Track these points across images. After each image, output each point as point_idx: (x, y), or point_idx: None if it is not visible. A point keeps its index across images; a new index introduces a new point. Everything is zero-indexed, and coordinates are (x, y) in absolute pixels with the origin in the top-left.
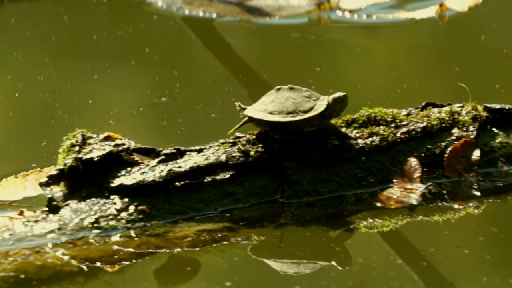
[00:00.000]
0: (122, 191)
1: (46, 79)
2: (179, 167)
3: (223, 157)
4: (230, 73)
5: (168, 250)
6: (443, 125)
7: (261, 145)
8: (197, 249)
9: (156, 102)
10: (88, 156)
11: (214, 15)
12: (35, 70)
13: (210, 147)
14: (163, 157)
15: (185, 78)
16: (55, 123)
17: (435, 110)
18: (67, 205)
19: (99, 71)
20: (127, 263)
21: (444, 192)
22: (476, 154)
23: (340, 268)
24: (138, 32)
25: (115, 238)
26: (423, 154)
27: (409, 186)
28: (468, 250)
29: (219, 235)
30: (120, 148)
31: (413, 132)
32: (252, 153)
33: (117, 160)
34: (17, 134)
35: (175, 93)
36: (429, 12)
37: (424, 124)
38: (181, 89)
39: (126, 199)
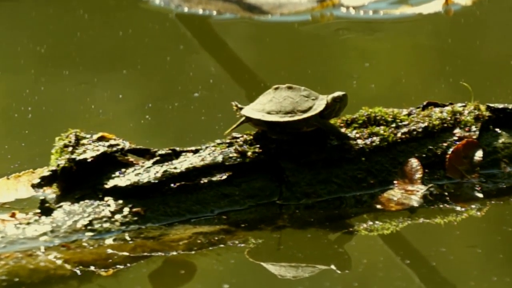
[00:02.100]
0: (116, 192)
1: (72, 73)
2: (175, 168)
3: (219, 158)
4: (227, 72)
5: (163, 254)
6: (445, 125)
7: (258, 146)
8: (193, 252)
9: (191, 97)
10: (81, 157)
11: (214, 13)
12: (59, 65)
13: (207, 147)
14: (158, 158)
15: (214, 73)
16: (89, 117)
17: (437, 109)
18: (60, 207)
19: (127, 67)
20: (121, 266)
21: (446, 193)
22: (479, 154)
23: (339, 271)
24: (158, 30)
25: (109, 241)
26: (424, 155)
27: (410, 187)
28: (474, 251)
29: (216, 238)
30: (114, 148)
31: (414, 132)
32: (249, 153)
33: (111, 161)
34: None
35: (209, 88)
36: (436, 6)
37: (425, 124)
38: (214, 84)
39: (120, 201)
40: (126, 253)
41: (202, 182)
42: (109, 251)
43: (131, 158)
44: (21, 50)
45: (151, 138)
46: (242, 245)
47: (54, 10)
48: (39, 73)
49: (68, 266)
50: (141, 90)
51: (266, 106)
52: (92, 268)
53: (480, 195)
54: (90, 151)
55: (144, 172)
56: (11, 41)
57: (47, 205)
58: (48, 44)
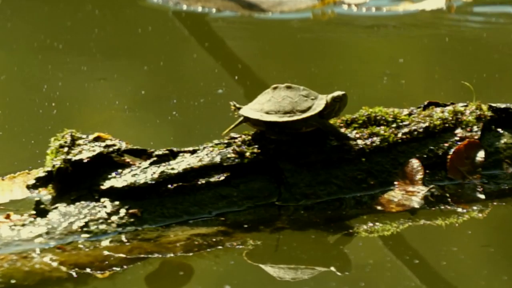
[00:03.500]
0: (112, 193)
1: (90, 69)
2: (172, 169)
3: (217, 159)
4: (225, 71)
5: (160, 255)
6: (446, 125)
7: (257, 146)
8: (191, 254)
9: (215, 94)
10: (77, 157)
11: (213, 10)
12: (79, 61)
13: (204, 148)
14: (155, 158)
15: (240, 69)
16: (115, 113)
17: (438, 109)
18: (56, 208)
19: (148, 63)
20: (117, 269)
21: (447, 195)
22: (481, 155)
23: (339, 273)
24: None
25: (106, 242)
26: (425, 156)
27: (410, 188)
28: (481, 251)
29: (214, 239)
30: (111, 149)
31: (415, 133)
32: (247, 154)
33: (108, 162)
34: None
35: (234, 84)
36: (438, 3)
37: (426, 124)
38: (239, 80)
39: (116, 202)
40: (122, 255)
41: (199, 183)
42: (106, 253)
43: (127, 158)
44: (38, 45)
45: (178, 135)
46: (241, 246)
47: (64, 6)
48: (57, 68)
49: (63, 268)
50: (164, 86)
51: (264, 106)
52: (88, 270)
53: (482, 196)
54: (86, 151)
55: (141, 173)
56: (28, 36)
57: (42, 206)
58: (66, 40)
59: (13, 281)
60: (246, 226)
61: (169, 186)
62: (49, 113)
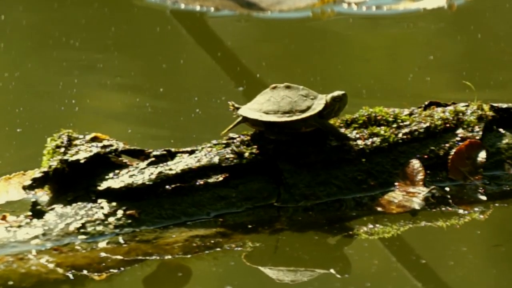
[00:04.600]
0: (110, 194)
1: (106, 67)
2: (170, 169)
3: (216, 159)
4: (222, 70)
5: (158, 257)
6: (447, 125)
7: (256, 147)
8: (189, 256)
9: (235, 92)
10: (74, 158)
11: (212, 9)
12: (95, 58)
13: (203, 148)
14: (153, 159)
15: (264, 67)
16: (137, 111)
17: (439, 109)
18: (52, 209)
19: (167, 61)
20: (115, 270)
21: (448, 196)
22: (482, 156)
23: (339, 276)
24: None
25: (103, 244)
26: (426, 156)
27: (411, 189)
28: (488, 251)
29: (212, 241)
30: (108, 149)
31: (416, 133)
32: (246, 154)
33: (105, 162)
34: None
35: (255, 82)
36: (440, 1)
37: (427, 124)
38: (261, 78)
39: (114, 203)
40: (120, 257)
41: (198, 184)
42: (103, 254)
43: (125, 159)
44: (53, 43)
45: (200, 132)
46: (239, 248)
47: (72, 3)
48: (72, 65)
49: (60, 270)
50: (182, 85)
51: (263, 106)
52: (85, 272)
53: (484, 198)
54: (83, 152)
55: (139, 174)
56: (43, 34)
57: (38, 207)
58: (82, 37)
59: (10, 283)
60: (245, 227)
61: (167, 187)
62: (70, 111)
